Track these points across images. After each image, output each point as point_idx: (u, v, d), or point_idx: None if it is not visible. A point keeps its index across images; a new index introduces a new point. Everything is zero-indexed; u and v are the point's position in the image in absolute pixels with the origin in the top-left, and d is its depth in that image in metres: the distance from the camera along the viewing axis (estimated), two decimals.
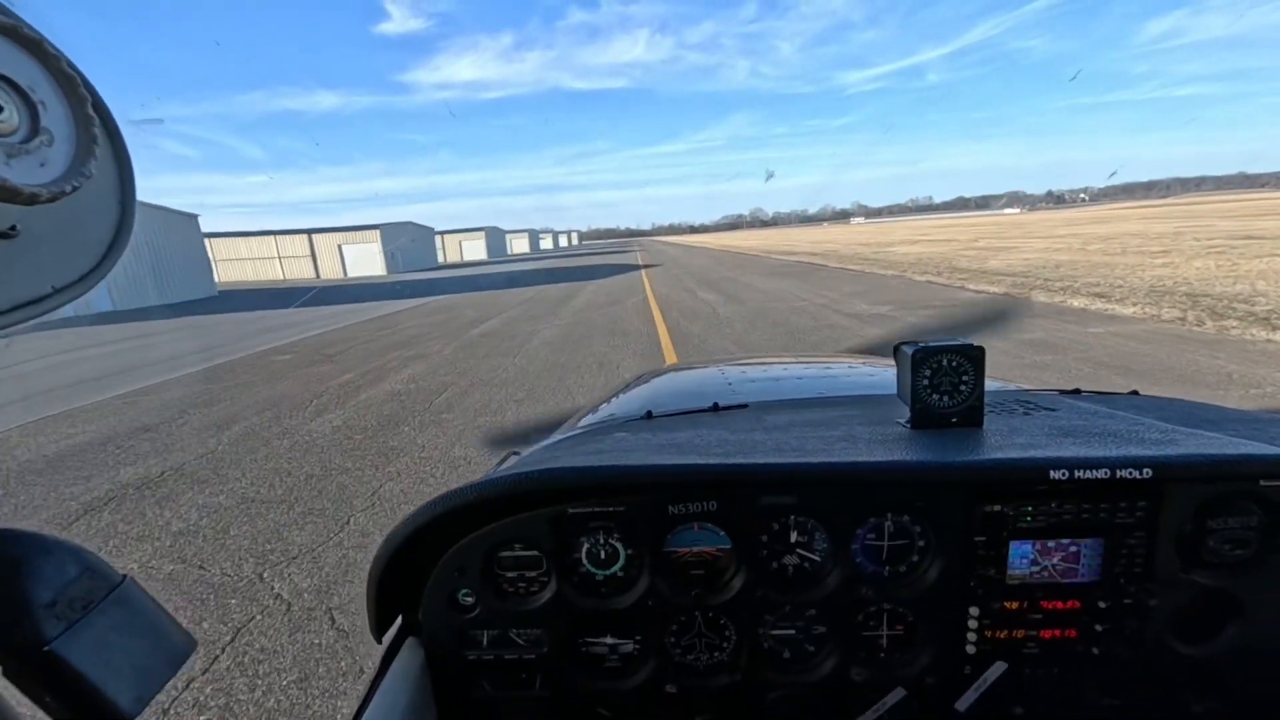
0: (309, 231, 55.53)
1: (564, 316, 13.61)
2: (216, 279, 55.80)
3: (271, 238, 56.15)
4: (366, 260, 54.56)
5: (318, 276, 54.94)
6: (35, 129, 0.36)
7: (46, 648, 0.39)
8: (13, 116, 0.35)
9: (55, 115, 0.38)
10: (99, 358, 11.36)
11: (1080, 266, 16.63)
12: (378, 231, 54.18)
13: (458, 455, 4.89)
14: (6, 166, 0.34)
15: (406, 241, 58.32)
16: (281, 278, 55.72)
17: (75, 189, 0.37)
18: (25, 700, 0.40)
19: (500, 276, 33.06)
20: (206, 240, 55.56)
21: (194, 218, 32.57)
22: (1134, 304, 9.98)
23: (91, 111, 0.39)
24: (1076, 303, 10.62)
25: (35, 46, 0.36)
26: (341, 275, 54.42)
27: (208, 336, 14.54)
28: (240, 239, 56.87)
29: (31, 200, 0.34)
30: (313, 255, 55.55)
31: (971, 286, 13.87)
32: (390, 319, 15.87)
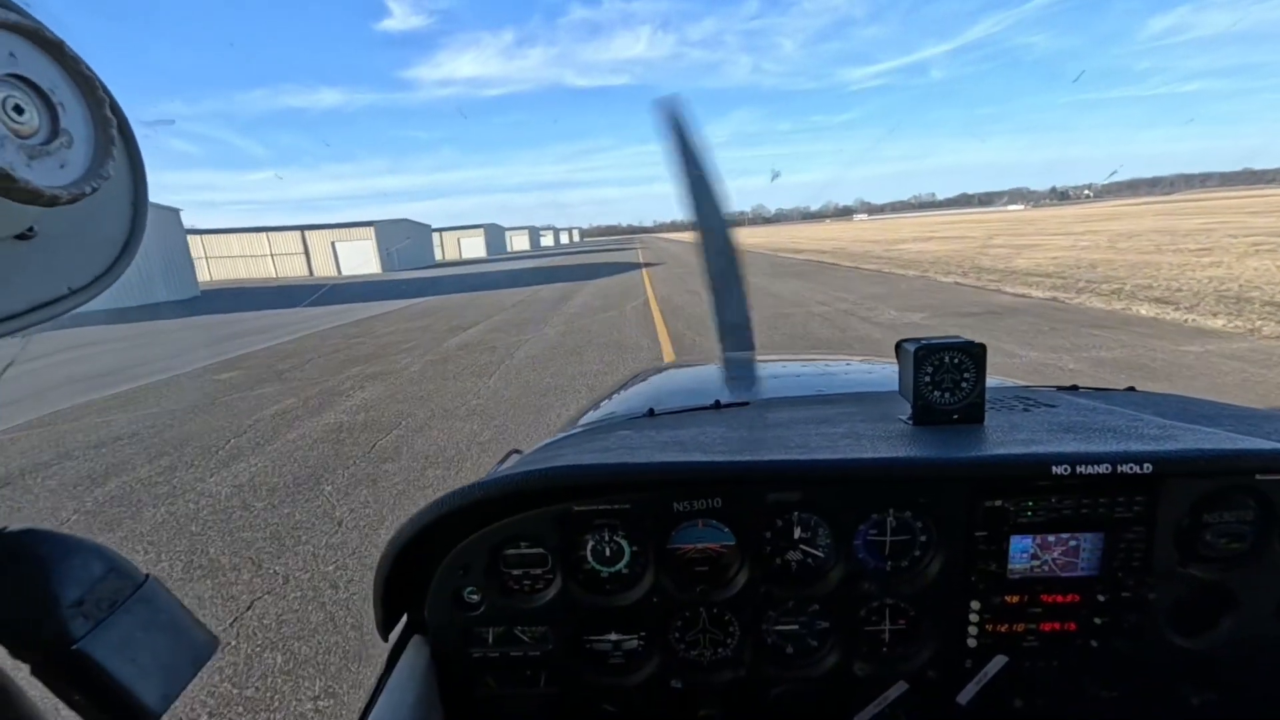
0: (302, 228, 54.14)
1: (555, 324, 12.24)
2: (208, 276, 54.69)
3: (264, 234, 54.77)
4: (361, 258, 53.12)
5: (311, 274, 53.61)
6: (55, 131, 0.36)
7: (74, 646, 0.39)
8: (34, 118, 0.35)
9: (74, 117, 0.38)
10: (14, 377, 10.00)
11: (1119, 266, 15.23)
12: (372, 228, 52.71)
13: (382, 541, 3.52)
14: (28, 168, 0.34)
15: (402, 238, 56.90)
16: (274, 275, 54.37)
17: (94, 190, 0.37)
18: (54, 699, 0.40)
19: (495, 276, 31.69)
20: (199, 238, 54.61)
21: (175, 212, 31.15)
22: (1212, 313, 8.58)
23: (109, 114, 0.39)
24: (1143, 310, 9.22)
25: (56, 50, 0.36)
26: (335, 273, 53.04)
27: (160, 346, 13.16)
28: (232, 235, 55.50)
29: (53, 202, 0.34)
30: (306, 252, 54.17)
31: (1008, 289, 12.47)
32: (368, 324, 14.51)
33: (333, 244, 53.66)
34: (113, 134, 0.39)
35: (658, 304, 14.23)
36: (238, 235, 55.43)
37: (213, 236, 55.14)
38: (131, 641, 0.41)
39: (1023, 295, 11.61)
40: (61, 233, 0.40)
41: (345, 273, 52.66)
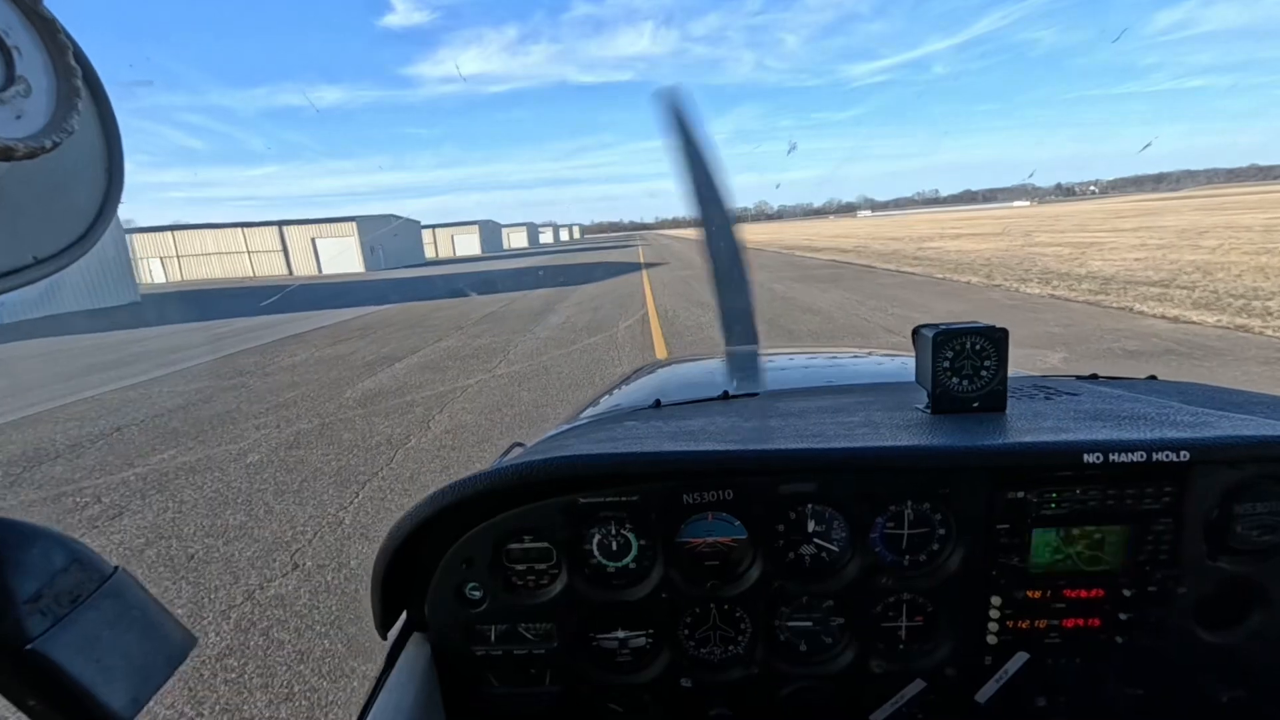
0: (279, 224, 50.65)
1: (519, 354, 8.84)
2: (179, 276, 51.29)
3: (239, 230, 51.30)
4: (343, 255, 49.59)
5: (290, 273, 50.22)
6: (10, 77, 0.33)
7: (30, 646, 0.35)
8: None
9: (32, 63, 0.34)
10: None
11: (1240, 271, 11.83)
12: (354, 224, 49.17)
13: None
14: None
15: (388, 235, 53.40)
16: (251, 274, 50.96)
17: (56, 145, 0.33)
18: (7, 705, 0.37)
19: (478, 277, 28.28)
20: (171, 234, 51.20)
21: None
22: None
23: (73, 62, 0.36)
24: None
25: None
26: (316, 271, 49.64)
27: None
28: (207, 231, 52.06)
29: (7, 155, 0.31)
30: (284, 250, 50.71)
31: (1144, 308, 9.02)
32: (277, 349, 11.09)
33: (313, 241, 50.20)
34: (77, 84, 0.35)
35: (660, 323, 10.83)
36: (212, 231, 51.95)
37: (185, 233, 51.69)
38: (96, 640, 0.38)
39: (1180, 320, 8.14)
40: (26, 197, 0.36)
41: (326, 271, 49.22)
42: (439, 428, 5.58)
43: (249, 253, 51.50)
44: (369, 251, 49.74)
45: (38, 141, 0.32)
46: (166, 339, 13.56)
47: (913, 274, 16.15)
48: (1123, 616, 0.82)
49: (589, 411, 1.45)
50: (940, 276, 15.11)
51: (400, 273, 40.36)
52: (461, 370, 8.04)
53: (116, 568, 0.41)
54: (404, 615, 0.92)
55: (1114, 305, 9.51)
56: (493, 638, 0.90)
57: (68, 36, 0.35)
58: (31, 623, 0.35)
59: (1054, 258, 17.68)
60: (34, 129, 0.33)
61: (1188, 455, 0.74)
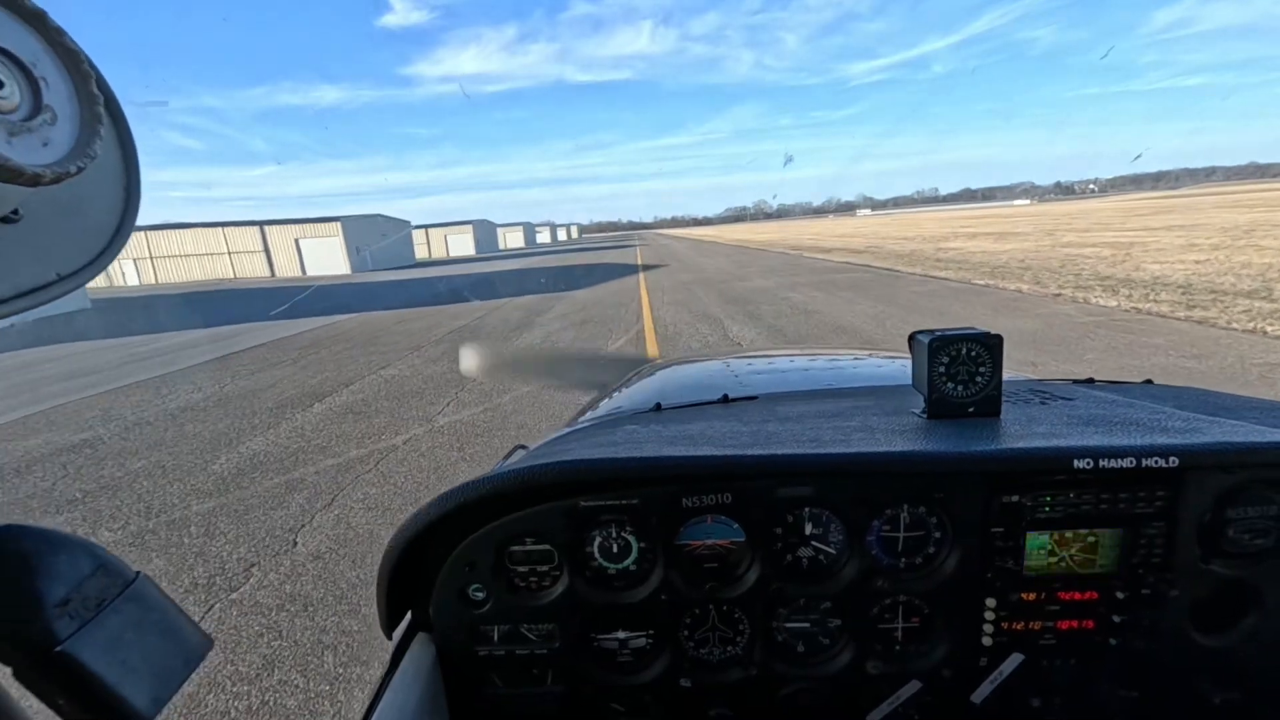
0: (261, 224, 48.54)
1: (475, 391, 6.80)
2: (153, 279, 49.14)
3: (219, 231, 49.15)
4: (328, 257, 47.45)
5: (273, 275, 48.11)
6: (38, 106, 0.34)
7: (59, 648, 0.37)
8: (14, 93, 0.33)
9: (58, 93, 0.36)
10: None
11: None
12: (338, 224, 47.01)
13: None
14: (8, 145, 0.32)
15: (375, 236, 51.27)
16: (232, 276, 48.83)
17: (80, 170, 0.35)
18: (37, 703, 0.38)
19: (461, 281, 26.23)
20: (144, 234, 48.94)
21: None
22: None
23: (95, 89, 0.37)
24: None
25: (37, 20, 0.34)
26: (300, 273, 47.51)
27: None
28: (186, 231, 49.88)
29: (35, 181, 0.32)
30: (266, 251, 48.57)
31: None
32: (179, 381, 9.04)
33: (296, 241, 48.06)
34: (99, 111, 0.37)
35: (657, 341, 8.80)
36: (192, 231, 49.78)
37: (161, 233, 49.47)
38: (120, 642, 0.39)
39: None
40: (48, 216, 0.38)
41: (311, 273, 47.09)
42: (311, 542, 3.54)
43: (229, 254, 49.37)
44: (354, 252, 47.61)
45: (63, 167, 0.33)
46: (67, 361, 11.47)
47: (946, 279, 14.14)
48: (1116, 619, 0.83)
49: (590, 414, 1.46)
50: (982, 283, 13.10)
51: (387, 275, 38.28)
52: (393, 418, 6.00)
53: (138, 573, 0.43)
54: (408, 616, 0.92)
55: (1234, 326, 7.49)
56: (496, 638, 0.92)
57: (91, 65, 0.36)
58: (60, 625, 0.37)
59: (1096, 259, 15.72)
60: (59, 155, 0.34)
61: (1177, 461, 0.75)
